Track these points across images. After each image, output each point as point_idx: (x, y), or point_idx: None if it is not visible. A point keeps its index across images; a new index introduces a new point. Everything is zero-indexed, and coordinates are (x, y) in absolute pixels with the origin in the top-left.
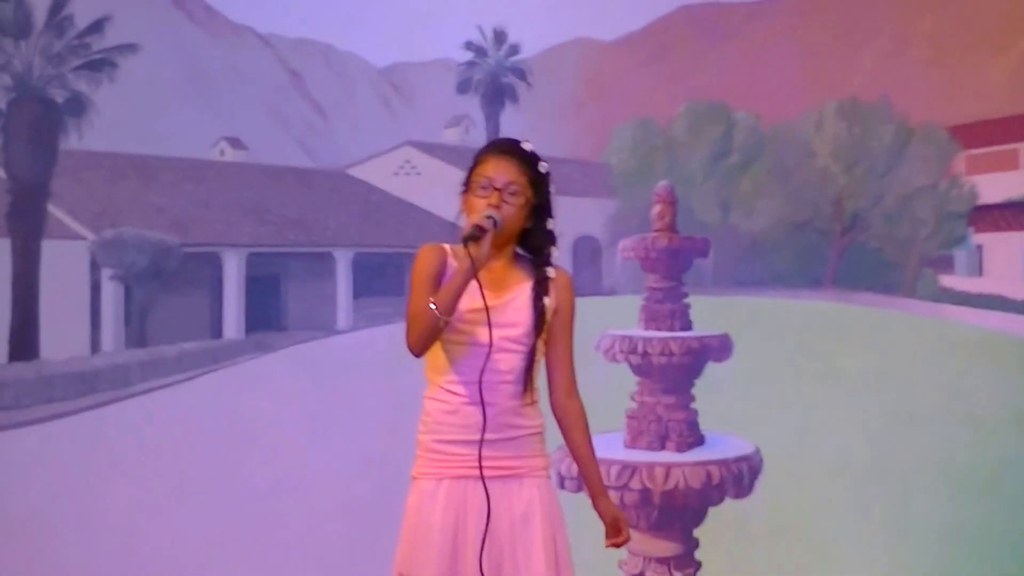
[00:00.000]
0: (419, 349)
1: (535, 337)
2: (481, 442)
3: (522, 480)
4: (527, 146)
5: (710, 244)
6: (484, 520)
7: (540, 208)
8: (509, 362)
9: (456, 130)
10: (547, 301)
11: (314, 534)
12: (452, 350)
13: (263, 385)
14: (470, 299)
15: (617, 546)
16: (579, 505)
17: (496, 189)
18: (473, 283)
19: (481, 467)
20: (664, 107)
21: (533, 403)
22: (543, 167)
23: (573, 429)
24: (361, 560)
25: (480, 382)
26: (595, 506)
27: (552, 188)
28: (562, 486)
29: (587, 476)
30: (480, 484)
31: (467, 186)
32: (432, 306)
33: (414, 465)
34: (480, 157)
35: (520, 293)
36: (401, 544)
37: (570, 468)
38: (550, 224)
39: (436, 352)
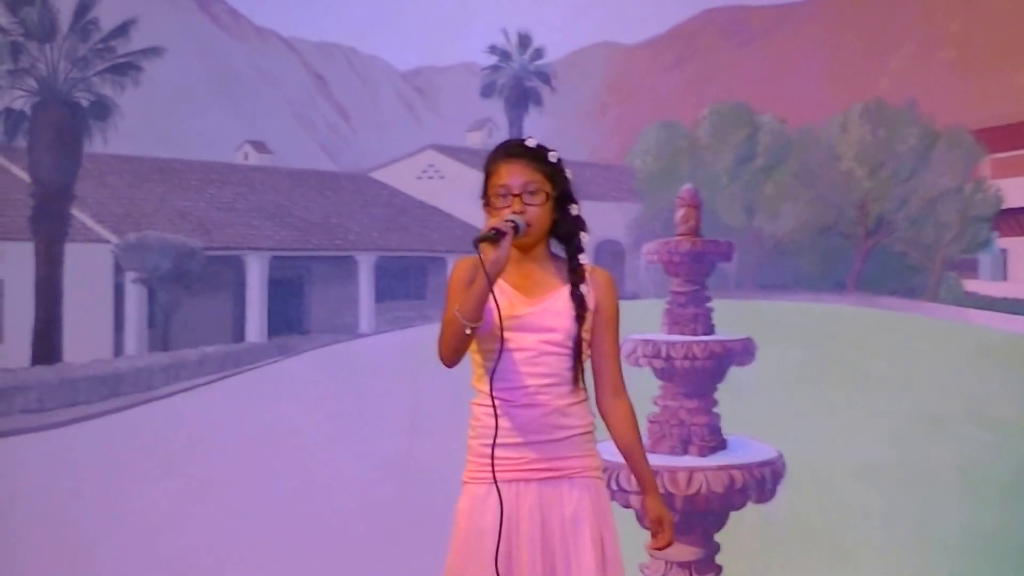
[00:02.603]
0: (447, 358)
1: (578, 337)
2: (493, 445)
3: (572, 480)
4: (531, 142)
5: (734, 248)
6: (536, 523)
7: (562, 197)
8: (553, 365)
9: (480, 134)
10: (583, 290)
11: (336, 536)
12: (491, 359)
13: (286, 388)
14: (508, 306)
15: (659, 548)
16: None
17: (515, 195)
18: (508, 288)
19: (494, 470)
20: (688, 110)
21: (582, 402)
22: (553, 156)
23: (622, 428)
24: (383, 561)
25: (491, 384)
26: (643, 503)
27: (568, 173)
28: None
29: (638, 474)
30: (531, 486)
31: (486, 199)
32: (456, 313)
33: (465, 470)
34: (490, 167)
35: (558, 297)
36: (452, 548)
37: None
38: (575, 210)
39: (478, 362)
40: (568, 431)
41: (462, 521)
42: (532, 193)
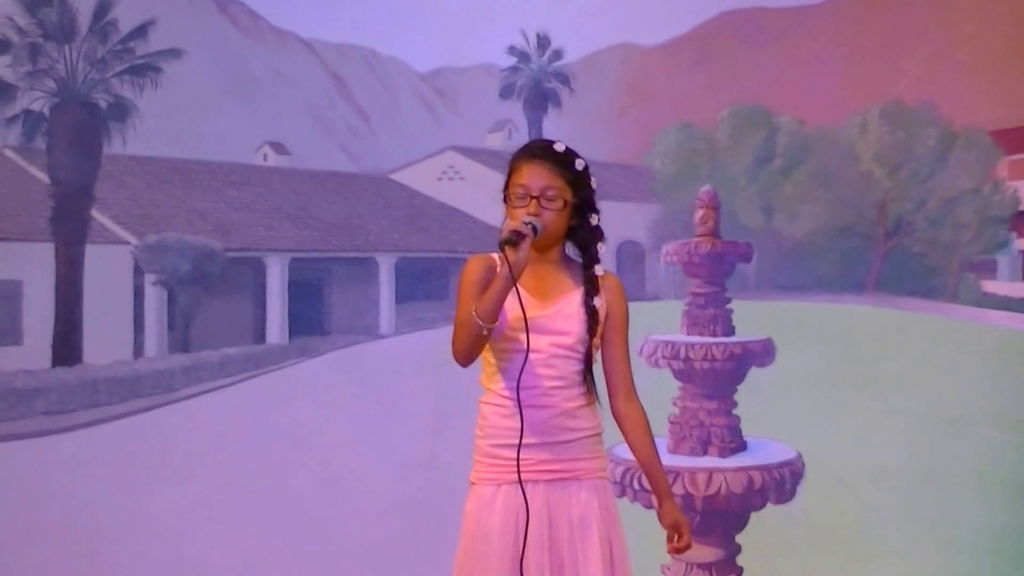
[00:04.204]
0: (463, 358)
1: (588, 342)
2: (519, 447)
3: (580, 483)
4: (559, 147)
5: (753, 249)
6: (544, 524)
7: (582, 205)
8: (562, 368)
9: (499, 135)
10: (597, 302)
11: (359, 537)
12: (504, 358)
13: (306, 390)
14: (519, 307)
15: (677, 551)
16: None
17: (533, 197)
18: (521, 291)
19: (519, 471)
20: (707, 112)
21: (590, 404)
22: (579, 164)
23: (635, 433)
24: (406, 562)
25: (518, 387)
26: (658, 509)
27: (593, 183)
28: None
29: (652, 479)
30: (538, 487)
31: (506, 197)
32: (474, 314)
33: (472, 470)
34: (513, 165)
35: (570, 301)
36: (460, 550)
37: (612, 474)
38: (594, 220)
39: (490, 360)
40: (577, 433)
41: (470, 523)
42: (550, 199)
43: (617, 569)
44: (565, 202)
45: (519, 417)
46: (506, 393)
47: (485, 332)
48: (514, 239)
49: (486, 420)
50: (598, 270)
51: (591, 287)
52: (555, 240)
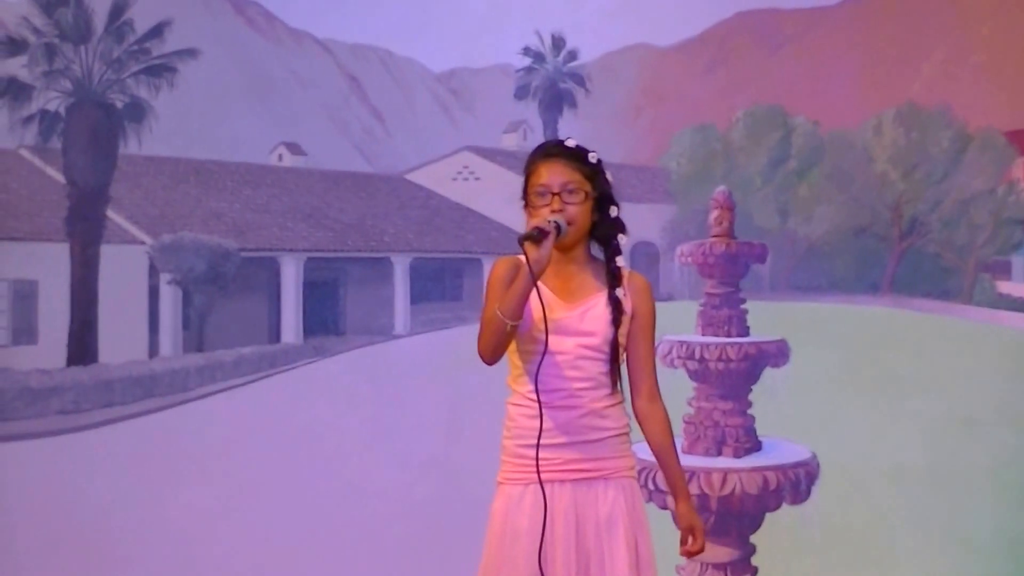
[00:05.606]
0: (488, 356)
1: (615, 341)
2: (538, 447)
3: (608, 481)
4: (571, 142)
5: (768, 250)
6: (571, 523)
7: (602, 199)
8: (590, 368)
9: (514, 136)
10: (620, 294)
11: (373, 538)
12: (529, 360)
13: (321, 390)
14: (546, 309)
15: (690, 554)
16: None
17: (554, 194)
18: (547, 291)
19: (539, 471)
20: (722, 113)
21: (618, 404)
22: (593, 158)
23: (656, 433)
24: (421, 563)
25: (536, 387)
26: (676, 510)
27: (608, 176)
28: None
29: (670, 480)
30: (565, 487)
31: (526, 200)
32: (498, 311)
33: (500, 471)
34: (530, 167)
35: (597, 302)
36: (487, 549)
37: None
38: (614, 212)
39: (516, 363)
40: (604, 432)
41: (497, 523)
42: (571, 192)
43: (643, 569)
44: (586, 194)
45: (538, 416)
46: (533, 396)
47: (509, 329)
48: (535, 235)
49: (513, 421)
50: (620, 262)
51: (615, 279)
52: (580, 236)
